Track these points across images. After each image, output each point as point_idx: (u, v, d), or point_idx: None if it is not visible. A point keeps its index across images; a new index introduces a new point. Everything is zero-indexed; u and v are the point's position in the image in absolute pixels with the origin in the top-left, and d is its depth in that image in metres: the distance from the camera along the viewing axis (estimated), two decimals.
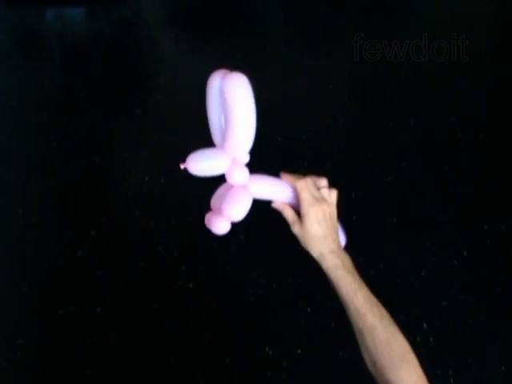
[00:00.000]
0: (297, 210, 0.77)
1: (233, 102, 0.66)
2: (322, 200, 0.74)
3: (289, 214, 0.77)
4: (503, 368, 1.70)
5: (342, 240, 0.81)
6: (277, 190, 0.77)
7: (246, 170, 0.73)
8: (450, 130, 2.64)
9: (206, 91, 0.70)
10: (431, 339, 1.73)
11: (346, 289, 0.71)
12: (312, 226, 0.73)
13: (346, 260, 0.73)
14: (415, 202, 2.26)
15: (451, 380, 1.64)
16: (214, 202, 0.74)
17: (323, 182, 0.77)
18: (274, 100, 2.62)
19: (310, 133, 2.58)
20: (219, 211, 0.72)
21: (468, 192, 2.29)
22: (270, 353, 1.74)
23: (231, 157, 0.71)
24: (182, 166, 0.70)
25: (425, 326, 1.77)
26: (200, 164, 0.71)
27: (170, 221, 2.17)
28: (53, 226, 2.19)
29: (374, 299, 0.71)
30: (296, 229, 0.75)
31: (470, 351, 1.74)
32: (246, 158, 0.73)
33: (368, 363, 0.70)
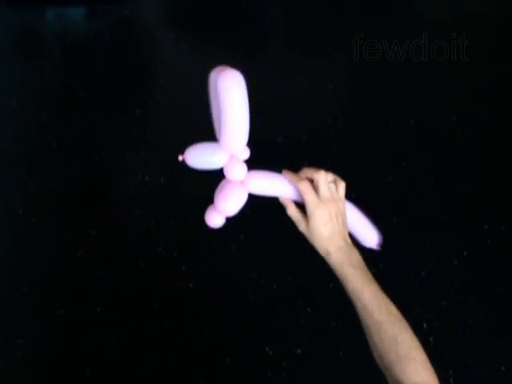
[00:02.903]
0: (302, 205, 0.76)
1: (225, 96, 0.67)
2: (327, 198, 0.73)
3: (293, 213, 0.76)
4: (503, 368, 1.70)
5: (373, 238, 0.83)
6: (278, 187, 0.77)
7: (243, 166, 0.73)
8: (450, 130, 2.64)
9: (206, 90, 0.70)
10: (431, 339, 1.72)
11: (353, 286, 0.70)
12: (318, 228, 0.73)
13: (354, 256, 0.73)
14: (415, 201, 2.26)
15: (451, 380, 1.64)
16: (215, 195, 0.76)
17: (329, 177, 0.75)
18: (274, 100, 2.62)
19: (310, 133, 2.58)
20: (214, 205, 0.73)
21: (468, 192, 2.29)
22: (270, 353, 1.74)
23: (229, 152, 0.72)
24: (180, 158, 0.71)
25: (425, 326, 1.77)
26: (198, 157, 0.72)
27: (170, 221, 2.17)
28: (53, 226, 2.19)
29: (381, 295, 0.70)
30: (302, 228, 0.75)
31: (470, 351, 1.74)
32: (245, 154, 0.73)
33: (376, 359, 0.69)
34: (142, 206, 2.24)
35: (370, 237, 0.82)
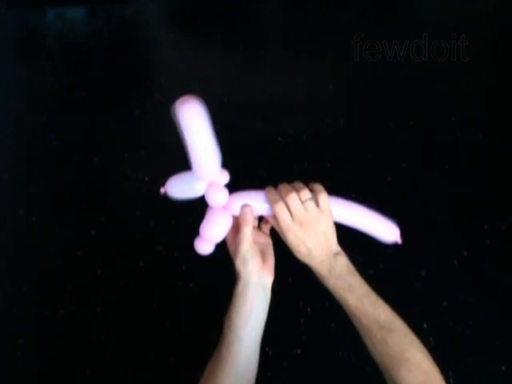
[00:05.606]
0: None
1: (186, 129, 0.67)
2: (302, 221, 0.70)
3: (279, 231, 0.74)
4: (503, 368, 1.70)
5: (391, 232, 0.81)
6: (262, 208, 0.74)
7: (223, 192, 0.73)
8: (450, 130, 2.64)
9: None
10: (431, 339, 1.72)
11: (337, 296, 0.71)
12: (294, 249, 0.72)
13: (338, 266, 0.71)
14: (415, 201, 2.26)
15: (451, 380, 1.64)
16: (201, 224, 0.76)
17: (304, 194, 0.71)
18: (274, 100, 2.62)
19: (310, 133, 2.58)
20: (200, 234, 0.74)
21: (468, 192, 2.29)
22: (270, 353, 1.73)
23: (207, 180, 0.71)
24: (162, 190, 0.73)
25: (425, 326, 1.77)
26: (178, 188, 0.73)
27: (170, 221, 2.17)
28: (53, 226, 2.19)
29: (369, 298, 0.69)
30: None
31: (470, 351, 1.74)
32: (224, 179, 0.73)
33: (377, 363, 0.69)
34: (142, 205, 2.24)
35: (388, 232, 0.80)
